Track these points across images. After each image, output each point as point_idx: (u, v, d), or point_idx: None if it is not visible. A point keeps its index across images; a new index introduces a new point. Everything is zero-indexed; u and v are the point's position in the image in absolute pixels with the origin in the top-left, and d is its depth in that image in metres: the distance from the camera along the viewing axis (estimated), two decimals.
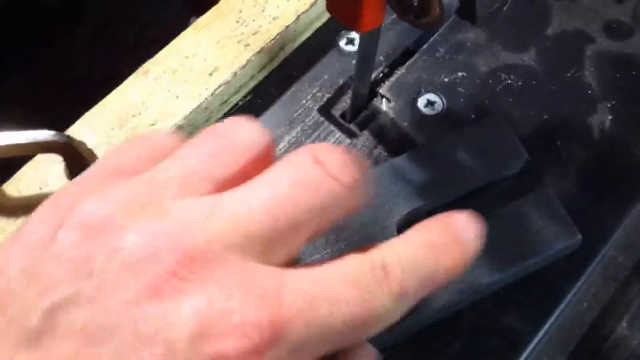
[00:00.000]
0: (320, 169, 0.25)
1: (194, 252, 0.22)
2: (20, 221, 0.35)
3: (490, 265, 0.35)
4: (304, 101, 0.41)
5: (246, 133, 0.26)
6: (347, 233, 0.34)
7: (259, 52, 0.39)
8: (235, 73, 0.39)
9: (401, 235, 0.27)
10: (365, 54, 0.35)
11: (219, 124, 0.27)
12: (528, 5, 0.44)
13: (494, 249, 0.35)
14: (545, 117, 0.40)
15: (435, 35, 0.43)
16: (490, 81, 0.42)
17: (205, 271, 0.22)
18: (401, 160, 0.37)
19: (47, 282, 0.22)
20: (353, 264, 0.25)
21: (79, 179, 0.26)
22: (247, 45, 0.39)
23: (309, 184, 0.24)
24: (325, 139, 0.40)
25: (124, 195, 0.24)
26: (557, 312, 0.35)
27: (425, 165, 0.37)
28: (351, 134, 0.40)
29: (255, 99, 0.41)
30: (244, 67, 0.39)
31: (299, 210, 0.24)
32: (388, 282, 0.24)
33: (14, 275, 0.23)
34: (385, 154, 0.39)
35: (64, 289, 0.22)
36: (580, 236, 0.35)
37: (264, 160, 0.26)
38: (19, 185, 0.36)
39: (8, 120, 0.35)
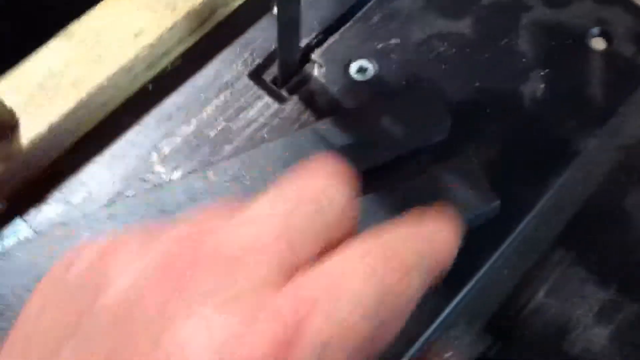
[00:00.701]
0: None
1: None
2: None
3: None
4: (235, 65, 0.41)
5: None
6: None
7: (186, 15, 0.39)
8: (161, 36, 0.38)
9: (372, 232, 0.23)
10: (285, 17, 0.35)
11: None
12: None
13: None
14: (477, 84, 0.40)
15: (370, 2, 0.43)
16: (423, 49, 0.41)
17: None
18: (324, 125, 0.37)
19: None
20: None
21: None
22: (175, 8, 0.39)
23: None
24: (253, 103, 0.40)
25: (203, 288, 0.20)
26: (476, 278, 0.35)
27: (349, 130, 0.37)
28: (280, 99, 0.40)
29: (185, 64, 0.41)
30: (170, 29, 0.38)
31: None
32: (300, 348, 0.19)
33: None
34: (313, 119, 0.39)
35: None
36: (498, 201, 0.35)
37: None
38: None
39: None
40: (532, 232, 0.37)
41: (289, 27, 0.36)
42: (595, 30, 0.42)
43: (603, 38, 0.42)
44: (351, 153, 0.36)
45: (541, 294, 0.37)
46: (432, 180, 0.36)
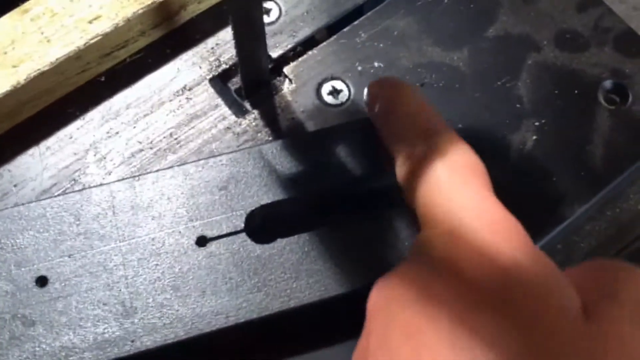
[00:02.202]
0: None
1: None
2: None
3: (342, 278, 0.30)
4: (198, 68, 0.37)
5: None
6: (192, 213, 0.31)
7: (149, 5, 0.35)
8: (118, 24, 0.35)
9: None
10: (240, 24, 0.31)
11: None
12: (473, 1, 0.39)
13: (350, 260, 0.30)
14: (460, 126, 0.35)
15: (360, 18, 0.38)
16: (407, 77, 0.37)
17: None
18: (273, 147, 0.33)
19: None
20: None
21: None
22: None
23: None
24: (208, 112, 0.36)
25: None
26: None
27: (298, 157, 0.32)
28: (240, 112, 0.36)
29: (146, 58, 0.37)
30: (129, 19, 0.35)
31: None
32: None
33: None
34: (270, 139, 0.35)
35: None
36: None
37: None
38: None
39: None
40: None
41: (248, 32, 0.32)
42: (608, 83, 0.37)
43: (616, 93, 0.36)
44: (293, 184, 0.32)
45: None
46: (380, 225, 0.31)
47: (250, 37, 0.32)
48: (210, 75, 0.37)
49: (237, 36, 0.32)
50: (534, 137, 0.35)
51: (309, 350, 0.32)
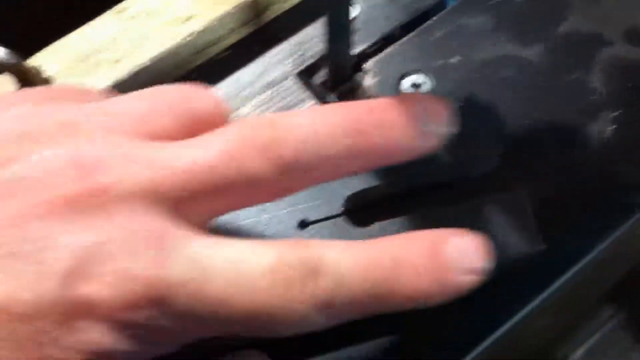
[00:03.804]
0: (249, 149, 0.23)
1: (101, 185, 0.21)
2: None
3: None
4: (285, 63, 0.39)
5: (209, 102, 0.26)
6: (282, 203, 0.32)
7: (240, 5, 0.37)
8: (211, 23, 0.37)
9: (368, 240, 0.24)
10: (335, 19, 0.33)
11: (184, 85, 0.26)
12: None
13: None
14: (537, 115, 0.37)
15: (438, 15, 0.40)
16: (485, 71, 0.38)
17: (104, 209, 0.21)
18: None
19: None
20: (281, 250, 0.22)
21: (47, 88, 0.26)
22: None
23: (233, 160, 0.23)
24: (297, 104, 0.38)
25: (65, 113, 0.23)
26: (504, 329, 0.32)
27: None
28: (326, 104, 0.38)
29: (234, 55, 0.39)
30: (221, 18, 0.37)
31: (216, 181, 0.22)
32: (314, 286, 0.21)
33: None
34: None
35: None
36: (543, 245, 0.32)
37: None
38: None
39: None
40: (576, 286, 0.34)
41: (338, 30, 0.34)
42: None
43: None
44: (389, 170, 0.34)
45: (580, 352, 0.33)
46: (474, 211, 0.33)
47: (341, 38, 0.34)
48: (296, 71, 0.39)
49: (330, 32, 0.34)
50: (610, 128, 0.37)
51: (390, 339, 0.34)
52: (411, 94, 0.26)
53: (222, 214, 0.24)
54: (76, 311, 0.20)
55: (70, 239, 0.20)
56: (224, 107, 0.25)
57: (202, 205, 0.22)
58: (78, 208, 0.20)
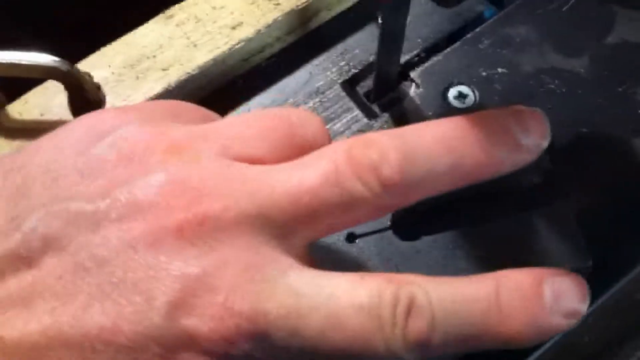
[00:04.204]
0: (351, 171, 0.23)
1: (209, 214, 0.21)
2: (16, 144, 0.35)
3: None
4: (329, 72, 0.39)
5: (311, 127, 0.26)
6: None
7: (288, 13, 0.37)
8: (259, 31, 0.37)
9: (462, 278, 0.23)
10: (389, 30, 0.33)
11: (290, 110, 0.27)
12: (590, 9, 0.40)
13: (492, 259, 0.32)
14: (584, 130, 0.37)
15: (482, 26, 0.40)
16: (531, 82, 0.38)
17: (211, 238, 0.21)
18: None
19: (63, 186, 0.21)
20: (374, 287, 0.22)
21: (132, 108, 0.26)
22: (278, 4, 0.38)
23: (335, 182, 0.23)
24: (342, 114, 0.38)
25: (171, 135, 0.23)
26: (552, 341, 0.32)
27: None
28: (370, 114, 0.38)
29: (280, 62, 0.39)
30: (269, 26, 0.37)
31: (319, 204, 0.22)
32: (407, 325, 0.21)
33: (34, 171, 0.22)
34: None
35: (75, 199, 0.21)
36: (591, 261, 0.32)
37: None
38: (22, 107, 0.35)
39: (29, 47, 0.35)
40: (624, 299, 0.34)
41: (391, 40, 0.34)
42: None
43: None
44: None
45: None
46: (521, 224, 0.33)
47: (392, 47, 0.34)
48: (341, 79, 0.39)
49: (382, 46, 0.34)
50: None
51: None
52: (507, 108, 0.26)
53: (323, 236, 0.23)
54: (177, 344, 0.20)
55: (176, 270, 0.20)
56: (326, 132, 0.25)
57: (306, 228, 0.22)
58: (184, 237, 0.20)
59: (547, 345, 0.32)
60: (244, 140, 0.23)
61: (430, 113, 0.38)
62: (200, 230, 0.21)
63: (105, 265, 0.20)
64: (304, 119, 0.25)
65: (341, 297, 0.21)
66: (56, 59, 0.33)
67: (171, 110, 0.26)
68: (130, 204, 0.21)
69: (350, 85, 0.39)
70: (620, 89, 0.38)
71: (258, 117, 0.25)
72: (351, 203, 0.22)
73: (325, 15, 0.40)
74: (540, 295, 0.22)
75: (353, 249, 0.32)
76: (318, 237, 0.23)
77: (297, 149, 0.24)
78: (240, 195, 0.21)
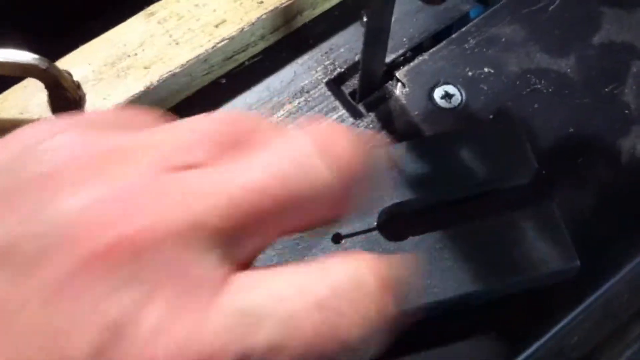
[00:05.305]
0: (316, 159, 0.20)
1: (133, 237, 0.18)
2: None
3: (473, 276, 0.31)
4: (314, 71, 0.38)
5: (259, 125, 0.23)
6: None
7: (272, 11, 0.37)
8: (243, 29, 0.36)
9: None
10: (374, 28, 0.32)
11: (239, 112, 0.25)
12: (577, 9, 0.40)
13: (480, 259, 0.32)
14: (571, 130, 0.37)
15: (468, 25, 0.40)
16: (517, 82, 0.38)
17: (135, 265, 0.18)
18: (399, 148, 0.34)
19: None
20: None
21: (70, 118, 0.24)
22: (261, 2, 0.37)
23: (294, 175, 0.20)
24: (327, 114, 0.37)
25: (103, 147, 0.20)
26: (542, 341, 0.32)
27: (424, 158, 0.34)
28: (356, 114, 0.37)
29: (264, 61, 0.39)
30: (253, 24, 0.36)
31: (269, 200, 0.20)
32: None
33: None
34: (388, 140, 0.37)
35: None
36: (578, 262, 0.31)
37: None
38: (1, 106, 0.34)
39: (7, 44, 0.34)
40: (614, 299, 0.33)
41: (376, 39, 0.34)
42: None
43: None
44: (423, 183, 0.33)
45: None
46: (508, 225, 0.33)
47: (377, 46, 0.34)
48: (326, 79, 0.38)
49: (367, 45, 0.33)
50: None
51: (428, 348, 0.33)
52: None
53: (273, 241, 0.22)
54: None
55: (89, 319, 0.18)
56: (278, 129, 0.24)
57: (251, 235, 0.20)
58: (107, 266, 0.18)
59: (537, 344, 0.32)
60: (186, 147, 0.21)
61: (416, 113, 0.37)
62: (124, 256, 0.18)
63: (11, 323, 0.18)
64: (243, 118, 0.23)
65: (288, 299, 0.19)
66: (35, 56, 0.32)
67: (115, 119, 0.23)
68: (38, 239, 0.18)
69: (335, 84, 0.38)
70: (606, 89, 0.38)
71: (203, 121, 0.23)
72: (308, 196, 0.20)
73: (310, 14, 0.39)
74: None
75: (339, 250, 0.32)
76: (269, 243, 0.21)
77: (245, 150, 0.21)
78: (174, 207, 0.19)
